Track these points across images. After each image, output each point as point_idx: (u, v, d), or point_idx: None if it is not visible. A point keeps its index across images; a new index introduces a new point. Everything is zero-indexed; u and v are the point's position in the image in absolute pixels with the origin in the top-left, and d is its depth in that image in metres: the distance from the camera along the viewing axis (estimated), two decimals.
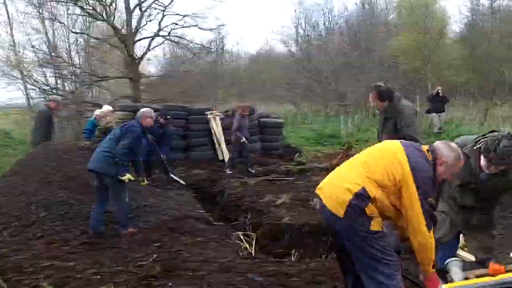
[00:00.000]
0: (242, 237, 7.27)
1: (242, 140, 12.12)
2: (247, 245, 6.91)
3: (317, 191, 3.64)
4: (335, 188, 3.50)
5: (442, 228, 4.56)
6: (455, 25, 36.08)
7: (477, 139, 4.17)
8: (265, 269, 5.54)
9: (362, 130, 20.04)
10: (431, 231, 3.39)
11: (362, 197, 3.33)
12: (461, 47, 28.22)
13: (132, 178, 6.94)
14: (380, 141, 5.66)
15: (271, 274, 5.33)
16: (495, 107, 23.98)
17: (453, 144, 3.64)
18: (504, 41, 25.54)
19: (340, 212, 3.37)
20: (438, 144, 3.61)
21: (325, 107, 29.71)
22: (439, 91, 18.44)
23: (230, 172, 11.95)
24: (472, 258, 4.72)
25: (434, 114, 18.45)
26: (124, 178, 6.62)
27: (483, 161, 4.04)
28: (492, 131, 4.17)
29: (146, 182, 7.79)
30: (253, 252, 6.75)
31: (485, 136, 4.10)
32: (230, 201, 9.54)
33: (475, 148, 4.14)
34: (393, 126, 5.63)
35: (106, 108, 11.67)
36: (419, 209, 3.30)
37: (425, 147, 3.56)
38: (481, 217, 4.48)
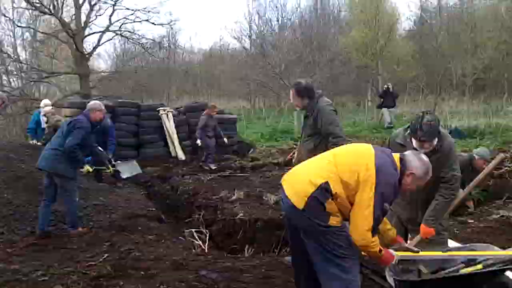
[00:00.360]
0: (195, 234, 7.19)
1: (197, 142, 12.18)
2: (201, 242, 6.84)
3: (282, 182, 3.64)
4: (299, 180, 3.50)
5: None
6: (405, 22, 36.87)
7: (408, 126, 4.34)
8: (218, 265, 5.51)
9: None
10: (375, 237, 3.37)
11: (324, 191, 3.32)
12: (411, 43, 28.89)
13: (91, 169, 6.80)
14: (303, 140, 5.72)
15: (224, 270, 5.31)
16: (443, 101, 24.65)
17: (424, 156, 3.62)
18: (451, 38, 26.27)
19: (301, 204, 3.37)
20: (409, 154, 3.58)
21: (278, 102, 29.88)
22: (390, 86, 18.81)
23: (215, 167, 11.91)
24: None
25: (384, 109, 18.79)
26: (84, 170, 6.48)
27: (415, 143, 4.17)
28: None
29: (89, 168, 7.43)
30: (206, 248, 6.68)
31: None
32: (183, 198, 9.42)
33: (406, 134, 4.30)
34: (314, 124, 5.56)
35: (44, 103, 11.39)
36: (370, 213, 3.27)
37: (396, 156, 3.54)
38: (417, 211, 4.59)
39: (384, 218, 3.72)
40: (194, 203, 8.96)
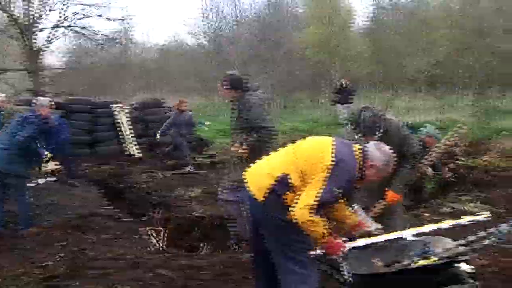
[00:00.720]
0: (151, 232, 7.11)
1: (156, 137, 11.97)
2: (157, 240, 6.77)
3: (246, 173, 3.65)
4: (260, 172, 3.53)
5: None
6: (360, 19, 37.38)
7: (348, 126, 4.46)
8: (175, 263, 5.49)
9: (273, 122, 20.28)
10: (318, 218, 3.26)
11: (283, 183, 3.34)
12: (366, 40, 29.33)
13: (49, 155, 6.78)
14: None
15: (181, 268, 5.29)
16: (398, 98, 25.14)
17: (385, 147, 3.60)
18: (405, 35, 26.79)
19: (260, 197, 3.39)
20: (371, 145, 3.58)
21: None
22: (346, 83, 19.04)
23: (192, 169, 11.60)
24: None
25: (340, 105, 19.02)
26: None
27: (357, 137, 4.31)
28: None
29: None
30: (163, 247, 6.62)
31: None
32: (139, 196, 9.30)
33: (351, 129, 4.48)
34: (240, 118, 5.53)
35: None
36: (317, 193, 3.21)
37: (357, 146, 3.55)
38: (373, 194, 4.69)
39: (343, 206, 3.79)
40: (150, 201, 8.86)
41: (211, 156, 13.23)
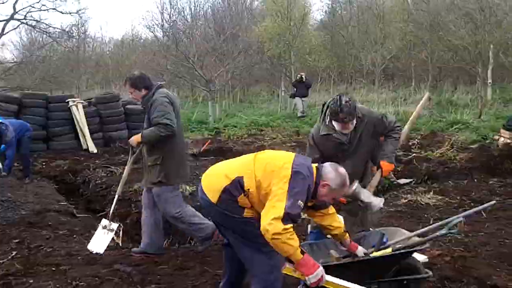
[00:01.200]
0: None
1: None
2: (114, 236, 6.68)
3: (202, 177, 3.67)
4: (216, 174, 3.56)
5: None
6: (317, 12, 37.73)
7: (323, 117, 4.54)
8: (132, 258, 5.45)
9: (230, 115, 20.30)
10: (289, 228, 3.20)
11: (237, 185, 3.36)
12: (322, 34, 29.63)
13: None
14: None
15: (139, 263, 5.26)
16: (354, 91, 25.52)
17: (341, 169, 3.58)
18: (361, 29, 27.20)
19: (214, 198, 3.41)
20: (327, 166, 3.57)
21: (193, 93, 29.67)
22: (303, 76, 19.19)
23: None
24: None
25: (297, 98, 19.16)
26: None
27: (337, 126, 4.35)
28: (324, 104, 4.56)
29: None
30: (120, 242, 6.55)
31: (322, 110, 4.51)
32: (96, 191, 9.16)
33: (327, 123, 4.45)
34: (149, 118, 5.39)
35: None
36: (282, 206, 3.20)
37: (315, 165, 3.57)
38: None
39: (330, 222, 3.81)
40: (107, 197, 8.73)
41: None
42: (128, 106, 14.25)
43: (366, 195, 4.46)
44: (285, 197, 3.23)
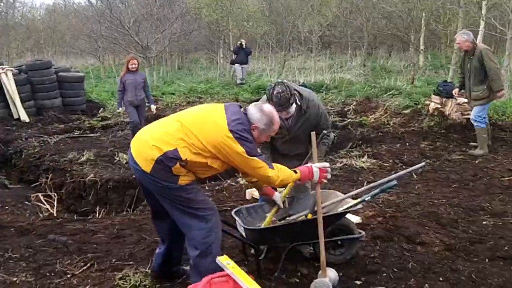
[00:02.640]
0: (42, 198, 6.85)
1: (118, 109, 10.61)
2: (48, 206, 6.54)
3: (131, 143, 3.55)
4: (146, 143, 3.40)
5: None
6: None
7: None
8: (67, 228, 5.36)
9: (168, 83, 19.98)
10: (275, 169, 3.54)
11: (171, 157, 3.28)
12: (260, 0, 29.41)
13: None
14: None
15: (74, 233, 5.18)
16: (292, 58, 25.63)
17: (265, 108, 3.54)
18: None
19: (147, 168, 3.33)
20: (251, 108, 3.52)
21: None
22: (243, 43, 19.05)
23: None
24: None
25: (237, 65, 19.06)
26: None
27: None
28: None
29: None
30: (55, 212, 6.41)
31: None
32: (28, 162, 8.86)
33: None
34: None
35: None
36: (257, 162, 3.41)
37: (242, 110, 3.53)
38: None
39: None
40: (40, 167, 8.49)
41: (104, 119, 12.82)
42: (61, 74, 13.73)
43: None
44: (249, 155, 3.36)
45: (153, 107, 10.67)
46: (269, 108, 3.57)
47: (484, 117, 8.15)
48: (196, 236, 3.43)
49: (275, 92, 4.04)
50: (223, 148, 3.31)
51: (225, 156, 3.34)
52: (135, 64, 9.72)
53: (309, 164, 3.81)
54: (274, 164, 3.59)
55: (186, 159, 3.29)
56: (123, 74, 9.81)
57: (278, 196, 4.06)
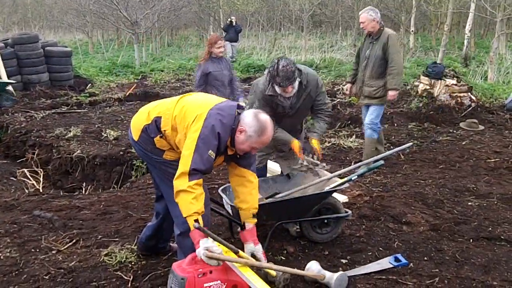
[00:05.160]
0: (28, 174, 6.80)
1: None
2: (34, 182, 6.49)
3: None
4: (142, 111, 3.48)
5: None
6: None
7: (267, 76, 4.32)
8: (53, 204, 5.33)
9: (156, 59, 19.82)
10: (192, 182, 3.07)
11: (154, 126, 3.29)
12: None
13: None
14: None
15: (60, 209, 5.15)
16: (282, 37, 25.48)
17: (262, 116, 3.26)
18: None
19: (136, 135, 3.40)
20: (247, 112, 3.29)
21: (118, 35, 28.67)
22: (233, 20, 18.88)
23: None
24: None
25: (227, 42, 18.91)
26: None
27: (278, 89, 4.22)
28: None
29: None
30: (40, 188, 6.37)
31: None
32: (15, 137, 8.76)
33: (270, 86, 4.28)
34: None
35: None
36: (189, 155, 3.07)
37: (238, 111, 3.33)
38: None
39: (245, 196, 3.54)
40: (27, 142, 8.41)
41: (91, 95, 12.69)
42: (48, 48, 13.54)
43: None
44: (194, 148, 3.08)
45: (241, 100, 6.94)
46: (265, 117, 3.28)
47: (379, 125, 6.60)
48: (180, 214, 3.34)
49: (280, 66, 3.99)
50: (187, 118, 3.21)
51: (183, 126, 3.21)
52: (222, 47, 6.77)
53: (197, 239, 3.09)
54: (197, 191, 3.10)
55: (164, 130, 3.27)
56: (203, 62, 6.73)
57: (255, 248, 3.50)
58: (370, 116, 6.49)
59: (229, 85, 6.84)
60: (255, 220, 3.57)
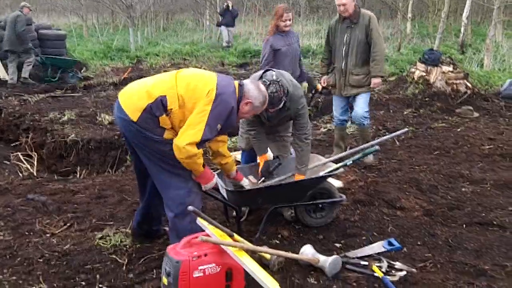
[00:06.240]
0: (22, 157, 6.77)
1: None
2: (28, 166, 6.47)
3: (119, 95, 3.46)
4: (136, 91, 3.36)
5: (242, 139, 4.75)
6: None
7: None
8: (48, 188, 5.32)
9: (152, 43, 19.71)
10: (200, 150, 3.28)
11: (160, 104, 3.23)
12: None
13: None
14: None
15: (54, 193, 5.14)
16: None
17: (262, 87, 3.62)
18: None
19: (135, 116, 3.25)
20: (249, 83, 3.54)
21: (113, 19, 28.44)
22: (230, 5, 18.75)
23: None
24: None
25: (223, 27, 18.82)
26: None
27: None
28: (266, 71, 4.18)
29: None
30: (34, 172, 6.34)
31: (261, 77, 4.08)
32: (8, 121, 8.72)
33: None
34: None
35: None
36: (200, 130, 3.20)
37: (237, 83, 3.49)
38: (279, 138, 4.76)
39: (225, 151, 3.84)
40: (21, 126, 8.38)
41: (86, 78, 12.63)
42: (42, 31, 13.44)
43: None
44: (206, 120, 3.21)
45: (305, 84, 6.95)
46: (264, 88, 3.65)
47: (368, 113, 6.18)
48: (174, 196, 3.39)
49: (269, 91, 3.92)
50: (196, 92, 3.29)
51: (192, 102, 3.29)
52: (289, 20, 5.94)
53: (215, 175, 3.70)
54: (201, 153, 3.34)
55: (171, 109, 3.24)
56: (270, 36, 6.01)
57: (246, 181, 4.12)
58: (362, 106, 6.01)
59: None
60: (235, 167, 4.04)
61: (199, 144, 3.26)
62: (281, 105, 4.05)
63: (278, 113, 4.17)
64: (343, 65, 5.92)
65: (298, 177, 4.31)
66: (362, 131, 6.18)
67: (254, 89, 3.52)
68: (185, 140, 3.20)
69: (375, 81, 5.79)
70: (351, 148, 6.50)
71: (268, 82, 3.92)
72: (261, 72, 4.20)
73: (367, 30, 5.68)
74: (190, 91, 3.27)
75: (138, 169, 3.73)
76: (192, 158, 3.27)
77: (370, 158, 5.76)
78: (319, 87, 6.32)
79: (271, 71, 4.07)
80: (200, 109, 3.23)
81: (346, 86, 6.00)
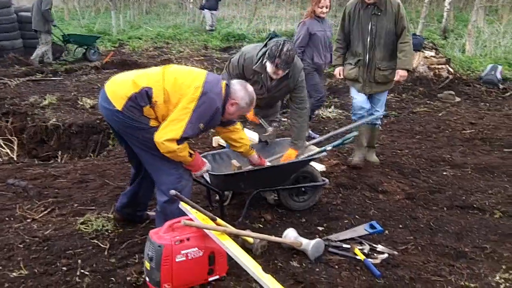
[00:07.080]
0: (1, 142, 6.68)
1: None
2: (8, 150, 6.38)
3: (106, 85, 3.42)
4: (123, 81, 3.37)
5: None
6: None
7: (261, 53, 4.20)
8: (28, 172, 5.26)
9: (134, 27, 19.48)
10: (181, 145, 3.26)
11: (144, 95, 3.22)
12: None
13: None
14: None
15: (35, 178, 5.08)
16: (263, 6, 25.21)
17: (249, 88, 3.56)
18: None
19: (119, 105, 3.23)
20: (236, 84, 3.52)
21: (95, 1, 28.04)
22: None
23: None
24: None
25: (206, 11, 18.65)
26: None
27: (270, 68, 4.11)
28: (271, 38, 4.27)
29: None
30: (15, 156, 6.27)
31: (266, 45, 4.16)
32: None
33: (264, 61, 4.14)
34: None
35: None
36: (181, 127, 3.19)
37: (224, 82, 3.47)
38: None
39: (237, 138, 3.83)
40: (0, 110, 8.23)
41: (67, 62, 12.46)
42: (21, 13, 13.20)
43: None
44: (188, 117, 3.21)
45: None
46: (251, 88, 3.60)
47: None
48: (166, 181, 3.40)
49: (285, 49, 3.90)
50: (182, 89, 3.28)
51: (177, 98, 3.27)
52: (327, 6, 6.38)
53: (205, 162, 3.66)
54: (183, 147, 3.32)
55: (156, 101, 3.23)
56: (308, 20, 6.42)
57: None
58: (382, 104, 5.46)
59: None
60: (254, 151, 3.99)
61: (179, 141, 3.24)
62: (288, 70, 4.12)
63: (279, 81, 4.17)
64: (367, 59, 5.19)
65: (291, 153, 4.37)
66: (373, 130, 5.63)
67: (241, 89, 3.50)
68: (164, 136, 3.20)
69: (402, 73, 5.10)
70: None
71: (281, 41, 3.96)
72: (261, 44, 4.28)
73: (396, 19, 4.99)
74: (176, 86, 3.27)
75: (131, 154, 3.69)
76: (172, 153, 3.27)
77: (375, 158, 5.71)
78: (339, 70, 5.53)
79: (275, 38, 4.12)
80: (184, 106, 3.23)
81: (370, 82, 5.27)
